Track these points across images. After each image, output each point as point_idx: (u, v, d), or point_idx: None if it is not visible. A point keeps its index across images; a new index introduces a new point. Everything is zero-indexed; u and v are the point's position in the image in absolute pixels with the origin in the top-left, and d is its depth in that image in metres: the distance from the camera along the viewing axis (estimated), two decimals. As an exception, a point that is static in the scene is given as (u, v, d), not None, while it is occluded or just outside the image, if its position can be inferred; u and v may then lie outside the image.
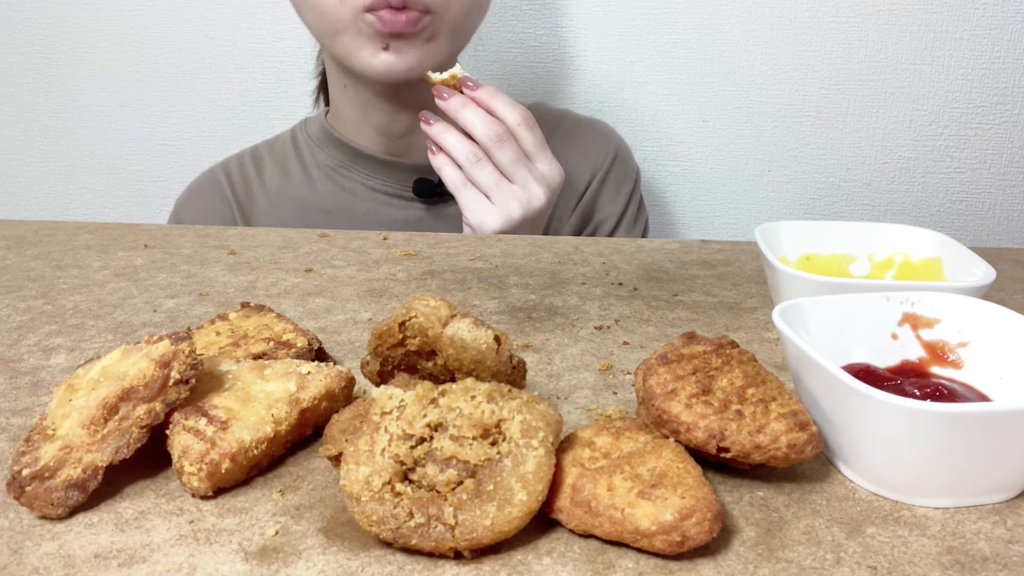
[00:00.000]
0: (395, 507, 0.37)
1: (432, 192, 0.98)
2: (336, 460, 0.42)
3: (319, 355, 0.56)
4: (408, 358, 0.49)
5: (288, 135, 1.07)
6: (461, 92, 0.87)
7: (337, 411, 0.45)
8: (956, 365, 0.49)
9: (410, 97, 0.96)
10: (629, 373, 0.56)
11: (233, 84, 1.29)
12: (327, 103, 1.12)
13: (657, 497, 0.37)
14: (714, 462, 0.43)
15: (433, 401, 0.41)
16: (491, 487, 0.38)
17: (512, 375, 0.47)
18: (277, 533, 0.39)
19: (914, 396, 0.44)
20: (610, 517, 0.37)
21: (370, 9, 0.85)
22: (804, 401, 0.45)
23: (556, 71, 1.24)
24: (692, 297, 0.70)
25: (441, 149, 0.88)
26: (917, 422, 0.39)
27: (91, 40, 1.29)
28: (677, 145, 1.25)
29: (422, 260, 0.79)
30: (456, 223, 0.99)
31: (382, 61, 0.89)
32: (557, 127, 1.07)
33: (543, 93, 1.25)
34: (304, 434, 0.47)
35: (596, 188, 1.06)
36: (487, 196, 0.87)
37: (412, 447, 0.39)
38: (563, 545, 0.39)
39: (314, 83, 1.14)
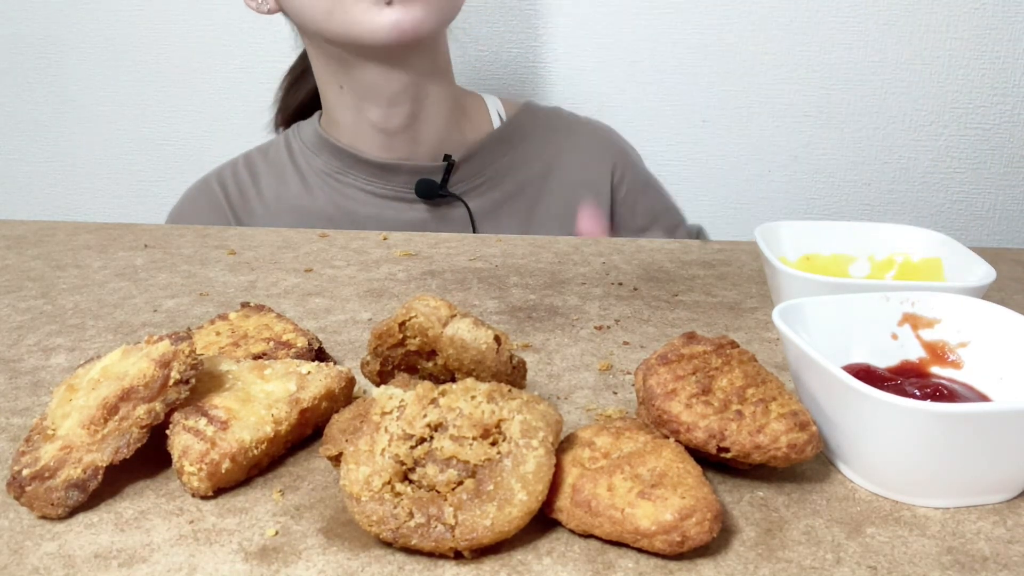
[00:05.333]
0: (395, 507, 0.37)
1: (434, 193, 0.97)
2: (336, 460, 0.42)
3: (319, 355, 0.56)
4: (408, 358, 0.49)
5: (281, 141, 1.05)
6: None
7: (337, 411, 0.45)
8: (956, 365, 0.49)
9: (408, 80, 0.95)
10: (629, 373, 0.56)
11: (233, 84, 1.29)
12: (283, 125, 1.11)
13: (657, 497, 0.37)
14: (714, 462, 0.43)
15: (433, 401, 0.41)
16: (491, 487, 0.38)
17: (512, 375, 0.47)
18: (277, 533, 0.39)
19: (914, 396, 0.44)
20: (610, 517, 0.37)
21: None
22: (804, 401, 0.45)
23: (556, 71, 1.24)
24: (692, 297, 0.70)
25: None
26: (917, 422, 0.39)
27: (91, 40, 1.29)
28: (677, 145, 1.25)
29: (422, 260, 0.79)
30: (459, 224, 0.98)
31: (387, 19, 0.87)
32: (556, 127, 1.06)
33: (543, 93, 1.25)
34: (304, 434, 0.47)
35: (623, 194, 1.05)
36: None
37: (412, 447, 0.39)
38: (563, 545, 0.39)
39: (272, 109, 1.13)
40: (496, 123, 1.04)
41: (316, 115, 1.05)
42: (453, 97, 1.01)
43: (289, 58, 1.27)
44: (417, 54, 0.94)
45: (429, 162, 0.98)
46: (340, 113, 0.99)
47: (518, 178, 1.01)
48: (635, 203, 1.06)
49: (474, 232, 0.99)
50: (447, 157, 0.97)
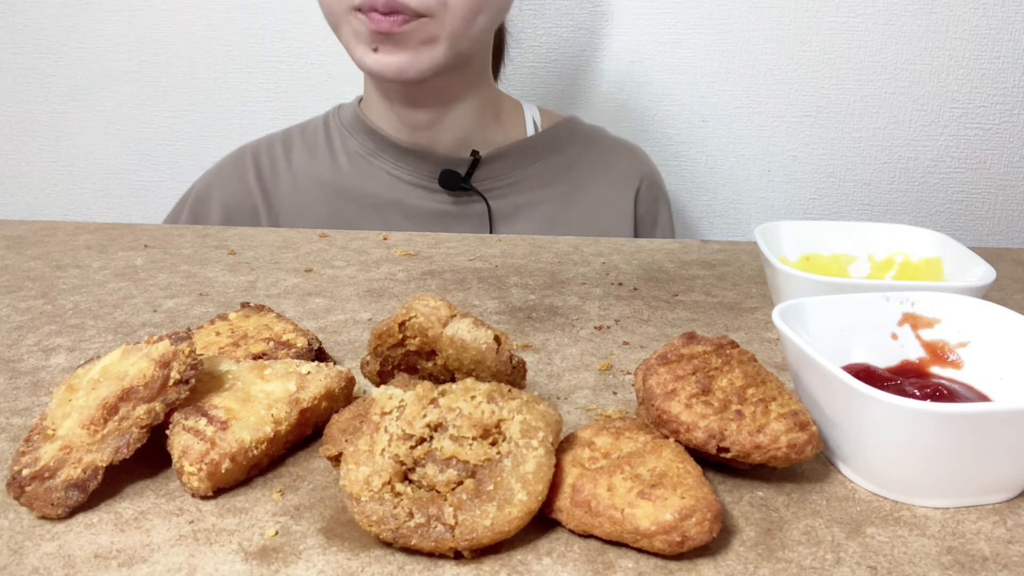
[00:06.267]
0: (395, 507, 0.37)
1: (457, 184, 0.98)
2: (336, 460, 0.42)
3: (319, 355, 0.56)
4: (408, 358, 0.49)
5: (321, 120, 1.07)
6: None
7: (337, 411, 0.45)
8: (956, 365, 0.49)
9: (421, 94, 0.95)
10: (629, 373, 0.56)
11: (233, 84, 1.29)
12: None
13: (657, 497, 0.37)
14: (714, 462, 0.43)
15: (433, 401, 0.41)
16: (491, 487, 0.38)
17: (512, 375, 0.47)
18: (277, 533, 0.39)
19: (914, 396, 0.44)
20: (610, 517, 0.37)
21: (359, 8, 0.85)
22: (804, 401, 0.45)
23: (556, 71, 1.24)
24: (692, 297, 0.70)
25: None
26: (917, 422, 0.39)
27: (91, 40, 1.29)
28: (677, 145, 1.25)
29: (422, 260, 0.79)
30: (477, 220, 0.99)
31: (373, 61, 0.89)
32: (593, 146, 1.06)
33: (543, 93, 1.25)
34: (304, 434, 0.47)
35: (643, 216, 1.05)
36: None
37: (412, 447, 0.39)
38: (563, 545, 0.39)
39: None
40: (531, 131, 1.05)
41: (356, 98, 1.06)
42: (486, 101, 1.01)
43: (289, 59, 1.27)
44: (427, 89, 0.94)
45: (453, 154, 1.00)
46: (372, 96, 1.01)
47: (544, 188, 1.02)
48: (652, 224, 1.07)
49: (491, 231, 0.99)
50: (475, 152, 0.98)
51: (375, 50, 0.88)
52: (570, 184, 1.03)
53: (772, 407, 0.42)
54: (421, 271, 0.76)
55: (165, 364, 0.43)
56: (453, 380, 0.47)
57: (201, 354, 0.49)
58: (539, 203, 1.01)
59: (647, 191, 1.06)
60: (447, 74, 0.92)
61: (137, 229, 0.89)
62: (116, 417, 0.42)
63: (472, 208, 0.99)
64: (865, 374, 0.47)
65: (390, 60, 0.88)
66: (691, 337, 0.46)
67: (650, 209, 1.06)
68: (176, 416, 0.43)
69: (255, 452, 0.43)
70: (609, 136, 1.10)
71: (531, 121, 1.05)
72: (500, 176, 1.00)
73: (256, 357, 0.52)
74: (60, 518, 0.40)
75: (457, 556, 0.37)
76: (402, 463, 0.39)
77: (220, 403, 0.44)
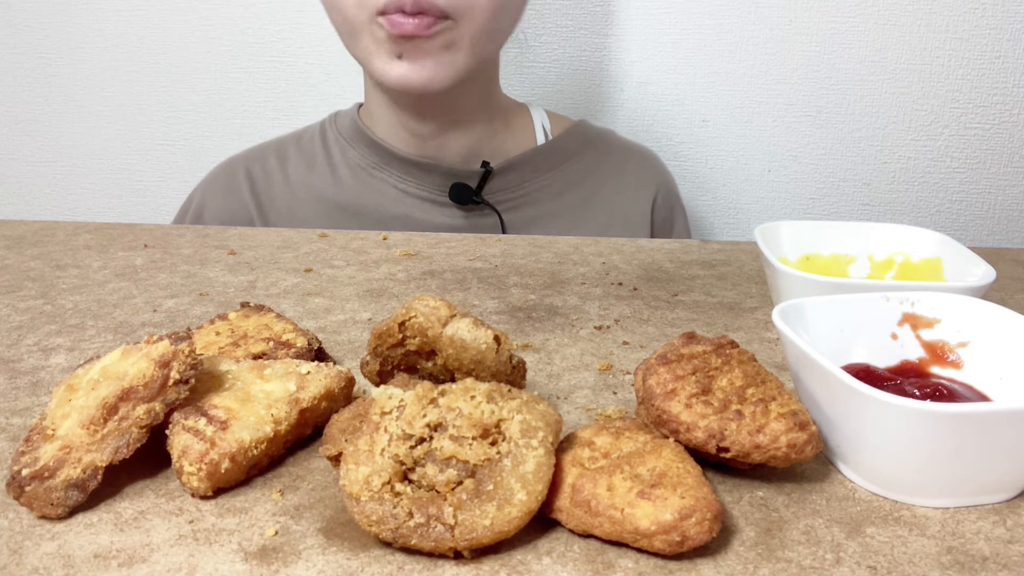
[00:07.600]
0: (395, 507, 0.37)
1: (469, 198, 0.95)
2: (336, 460, 0.42)
3: (319, 355, 0.56)
4: (408, 358, 0.49)
5: (317, 130, 1.03)
6: None
7: (337, 411, 0.45)
8: (956, 365, 0.49)
9: (434, 105, 0.93)
10: (629, 373, 0.56)
11: (233, 84, 1.29)
12: None
13: (657, 497, 0.37)
14: (714, 462, 0.43)
15: (433, 401, 0.41)
16: (491, 487, 0.38)
17: (512, 375, 0.47)
18: (277, 533, 0.39)
19: (914, 396, 0.44)
20: (610, 517, 0.37)
21: (383, 12, 0.82)
22: (804, 401, 0.45)
23: (556, 71, 1.24)
24: (692, 297, 0.70)
25: None
26: (917, 422, 0.39)
27: (91, 40, 1.29)
28: (677, 145, 1.25)
29: (422, 260, 0.79)
30: (491, 231, 0.96)
31: (395, 71, 0.85)
32: (605, 153, 1.05)
33: (543, 94, 1.25)
34: (304, 434, 0.47)
35: (660, 225, 1.04)
36: None
37: (412, 447, 0.39)
38: (563, 545, 0.39)
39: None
40: (540, 137, 1.03)
41: (355, 105, 1.03)
42: (496, 108, 0.99)
43: (289, 59, 1.27)
44: (440, 99, 0.91)
45: (462, 166, 0.97)
46: (376, 106, 0.98)
47: (558, 197, 1.00)
48: (668, 234, 1.06)
49: None
50: (485, 164, 0.96)
51: (399, 57, 0.84)
52: (584, 194, 1.01)
53: (772, 407, 0.42)
54: (421, 271, 0.76)
55: (165, 364, 0.43)
56: (453, 380, 0.47)
57: (201, 354, 0.49)
58: (553, 215, 0.99)
59: (663, 200, 1.04)
60: (462, 85, 0.90)
61: (137, 229, 0.89)
62: (116, 417, 0.42)
63: (484, 222, 0.97)
64: (865, 374, 0.47)
65: (414, 69, 0.85)
66: (691, 337, 0.46)
67: (667, 219, 1.05)
68: (176, 416, 0.43)
69: (255, 452, 0.43)
70: (621, 140, 1.08)
71: (540, 127, 1.03)
72: (512, 187, 0.98)
73: (256, 357, 0.52)
74: (60, 518, 0.40)
75: (457, 556, 0.37)
76: (402, 463, 0.39)
77: (220, 403, 0.44)
